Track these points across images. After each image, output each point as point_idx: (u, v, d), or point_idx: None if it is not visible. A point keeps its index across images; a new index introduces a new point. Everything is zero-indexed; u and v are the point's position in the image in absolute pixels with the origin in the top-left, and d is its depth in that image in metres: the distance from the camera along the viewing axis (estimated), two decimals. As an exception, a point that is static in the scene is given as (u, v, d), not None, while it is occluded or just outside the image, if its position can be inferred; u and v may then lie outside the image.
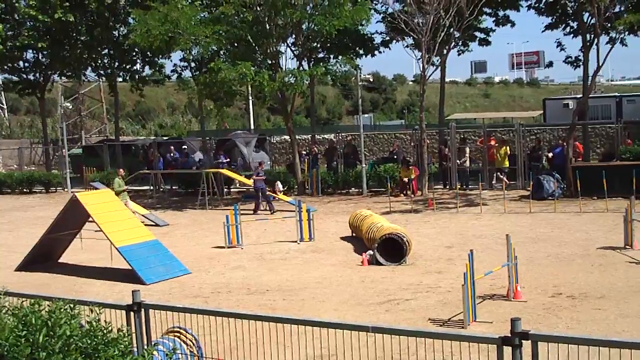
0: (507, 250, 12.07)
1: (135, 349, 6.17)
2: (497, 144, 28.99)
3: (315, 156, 32.62)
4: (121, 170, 26.26)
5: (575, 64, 33.22)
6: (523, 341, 5.03)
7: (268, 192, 26.01)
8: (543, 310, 11.46)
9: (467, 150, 29.66)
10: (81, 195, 17.24)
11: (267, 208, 25.53)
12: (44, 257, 17.44)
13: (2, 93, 63.90)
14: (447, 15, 26.89)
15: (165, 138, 48.73)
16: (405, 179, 28.00)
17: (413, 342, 6.10)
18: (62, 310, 4.80)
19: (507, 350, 5.06)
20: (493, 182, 28.69)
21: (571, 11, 31.93)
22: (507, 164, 28.61)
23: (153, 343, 6.49)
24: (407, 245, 15.84)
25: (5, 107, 68.48)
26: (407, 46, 33.40)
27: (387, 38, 36.34)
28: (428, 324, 11.07)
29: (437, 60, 32.05)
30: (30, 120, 69.46)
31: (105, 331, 4.79)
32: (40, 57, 40.87)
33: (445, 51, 31.81)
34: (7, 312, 4.84)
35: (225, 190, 31.34)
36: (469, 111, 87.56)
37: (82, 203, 16.54)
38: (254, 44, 28.80)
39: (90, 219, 16.92)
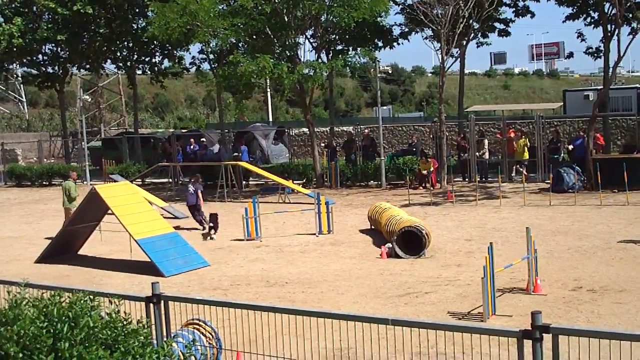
0: (527, 243, 11.99)
1: (155, 341, 6.19)
2: (515, 136, 28.85)
3: (334, 149, 32.58)
4: (74, 173, 23.83)
5: (595, 55, 32.93)
6: (544, 335, 5.00)
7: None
8: (563, 304, 11.39)
9: (486, 142, 29.53)
10: (100, 188, 17.31)
11: None
12: (63, 249, 17.55)
13: (22, 86, 64.36)
14: (467, 6, 26.76)
15: (184, 130, 48.85)
16: (424, 172, 27.93)
17: (432, 335, 6.09)
18: (82, 301, 4.82)
19: (528, 344, 5.04)
20: (512, 174, 28.56)
21: (592, 1, 31.62)
22: (526, 156, 28.44)
23: (172, 335, 6.50)
24: (426, 238, 15.79)
25: (24, 100, 68.95)
26: (426, 38, 33.31)
27: (406, 29, 36.20)
28: (447, 317, 11.03)
29: (456, 52, 31.92)
30: (50, 113, 69.96)
31: (125, 323, 4.81)
32: (59, 50, 41.09)
33: (464, 42, 31.66)
34: (27, 303, 4.85)
35: (244, 183, 31.34)
36: (488, 103, 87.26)
37: (102, 195, 16.61)
38: (272, 36, 28.76)
39: (110, 212, 16.99)
